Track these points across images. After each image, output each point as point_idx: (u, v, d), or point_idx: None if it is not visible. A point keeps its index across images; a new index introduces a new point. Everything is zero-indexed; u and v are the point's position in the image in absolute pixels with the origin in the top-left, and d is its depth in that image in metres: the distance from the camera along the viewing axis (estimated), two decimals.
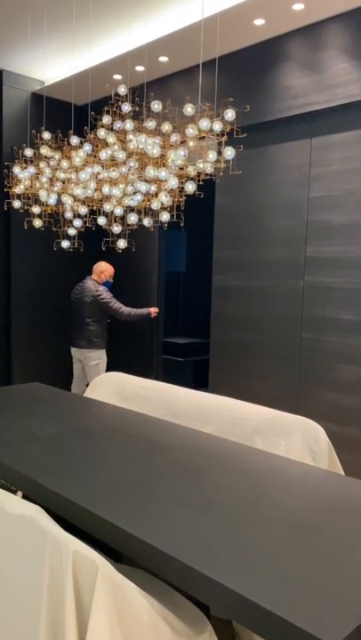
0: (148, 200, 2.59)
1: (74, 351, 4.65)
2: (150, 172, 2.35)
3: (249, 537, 1.45)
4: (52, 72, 4.77)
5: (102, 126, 2.53)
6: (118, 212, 2.66)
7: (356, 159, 3.27)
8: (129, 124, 2.42)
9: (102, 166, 2.59)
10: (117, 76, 4.48)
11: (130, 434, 2.46)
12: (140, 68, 4.31)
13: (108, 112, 2.64)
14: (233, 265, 4.06)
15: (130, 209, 2.68)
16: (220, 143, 2.30)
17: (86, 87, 4.30)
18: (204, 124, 2.20)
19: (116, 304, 4.50)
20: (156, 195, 2.51)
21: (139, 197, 2.57)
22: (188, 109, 2.27)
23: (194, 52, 3.95)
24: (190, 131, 2.22)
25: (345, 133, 3.32)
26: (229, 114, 2.17)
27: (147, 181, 2.48)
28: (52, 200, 2.85)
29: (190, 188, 2.40)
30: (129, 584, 1.32)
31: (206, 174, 2.41)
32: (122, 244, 2.77)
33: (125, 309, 4.52)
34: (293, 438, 2.38)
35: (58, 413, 2.79)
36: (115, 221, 2.77)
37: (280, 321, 3.75)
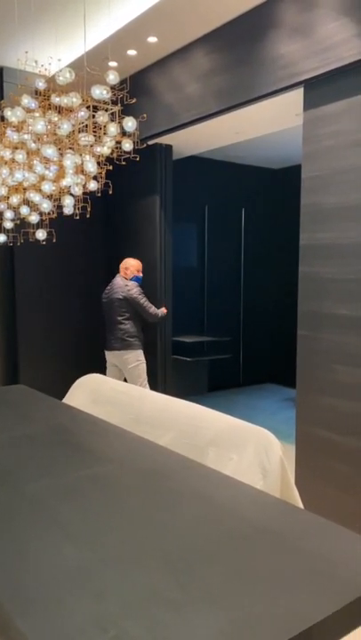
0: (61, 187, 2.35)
1: (108, 355, 4.40)
2: (48, 151, 2.11)
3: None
4: None
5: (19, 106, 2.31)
6: (37, 199, 2.44)
7: (349, 132, 2.87)
8: (26, 100, 2.17)
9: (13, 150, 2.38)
10: (113, 63, 4.27)
11: (68, 443, 2.25)
12: (132, 52, 4.08)
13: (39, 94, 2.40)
14: None
15: (50, 196, 2.45)
16: (114, 114, 2.03)
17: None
18: (97, 92, 1.93)
19: (146, 301, 4.30)
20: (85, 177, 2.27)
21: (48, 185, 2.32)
22: (97, 92, 1.98)
23: (182, 28, 3.68)
24: (73, 100, 1.97)
25: (336, 103, 2.92)
26: (111, 76, 1.90)
27: (47, 162, 2.25)
28: None
29: (90, 167, 2.14)
30: None
31: (122, 154, 2.13)
32: (40, 234, 2.55)
33: (154, 309, 4.33)
34: (246, 451, 2.07)
35: (11, 419, 2.64)
36: (34, 210, 2.56)
37: None
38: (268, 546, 1.38)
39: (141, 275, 4.48)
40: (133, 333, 4.27)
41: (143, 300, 4.28)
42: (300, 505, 2.06)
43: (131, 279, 4.40)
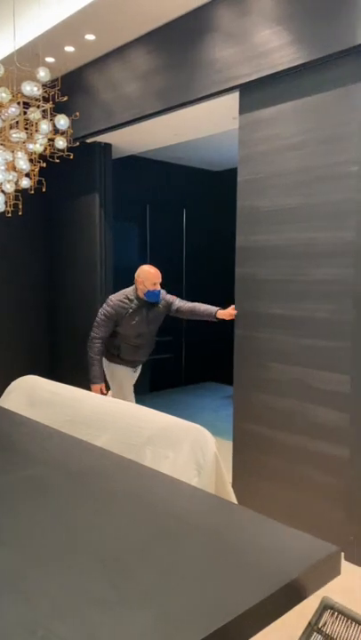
0: None
1: None
2: None
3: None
4: None
5: None
6: None
7: (282, 137, 2.97)
8: None
9: None
10: (50, 59, 4.20)
11: (1, 445, 2.20)
12: (69, 49, 4.02)
13: None
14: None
15: None
16: (45, 111, 2.03)
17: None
18: (27, 88, 1.92)
19: (95, 329, 3.67)
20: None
21: None
22: (27, 88, 1.96)
23: (120, 28, 3.66)
24: (3, 95, 1.95)
25: (270, 108, 3.01)
26: (41, 73, 1.90)
27: None
28: None
29: (22, 164, 2.13)
30: None
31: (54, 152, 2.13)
32: None
33: (94, 346, 3.66)
34: (182, 449, 2.10)
35: None
36: None
37: None
38: (201, 541, 1.41)
39: (158, 289, 3.64)
40: (110, 344, 3.78)
41: (97, 320, 3.69)
42: (234, 499, 2.11)
43: (145, 295, 3.63)
